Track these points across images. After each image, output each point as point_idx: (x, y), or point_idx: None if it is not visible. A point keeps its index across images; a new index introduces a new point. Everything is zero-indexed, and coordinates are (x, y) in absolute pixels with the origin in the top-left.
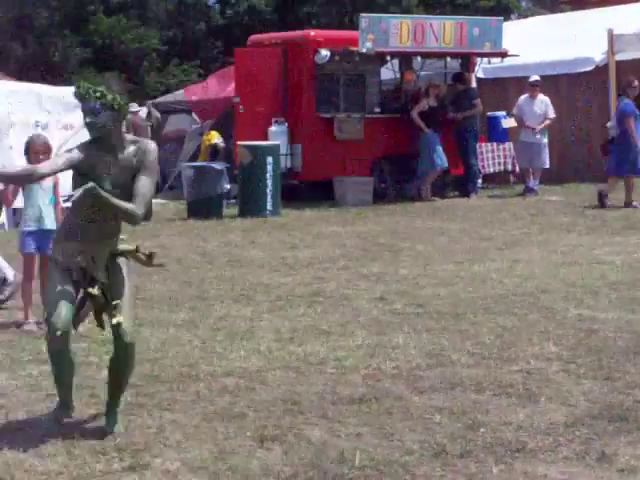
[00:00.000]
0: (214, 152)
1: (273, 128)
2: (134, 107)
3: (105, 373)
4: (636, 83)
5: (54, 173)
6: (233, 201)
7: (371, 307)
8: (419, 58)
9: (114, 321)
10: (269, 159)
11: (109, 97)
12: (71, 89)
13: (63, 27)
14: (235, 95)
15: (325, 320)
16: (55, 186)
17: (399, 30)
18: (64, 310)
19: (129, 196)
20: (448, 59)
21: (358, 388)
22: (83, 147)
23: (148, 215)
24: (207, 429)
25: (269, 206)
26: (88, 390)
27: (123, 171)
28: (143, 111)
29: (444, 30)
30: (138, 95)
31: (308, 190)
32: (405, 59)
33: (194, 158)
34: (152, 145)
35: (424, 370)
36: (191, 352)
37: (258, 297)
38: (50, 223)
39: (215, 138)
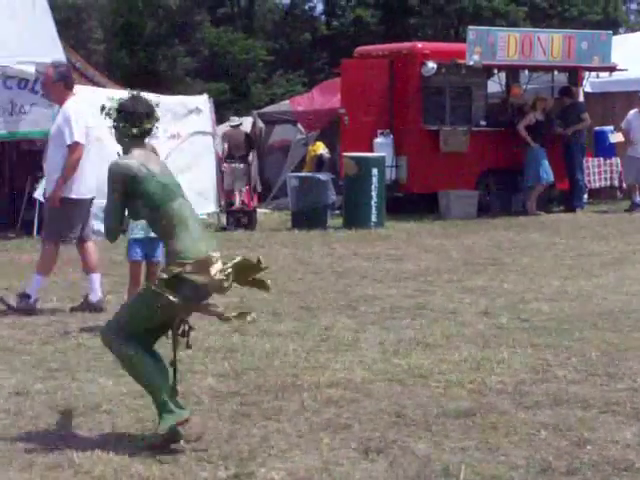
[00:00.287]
0: (320, 163)
1: (379, 140)
2: (235, 121)
3: (210, 381)
4: None
5: None
6: (337, 212)
7: (476, 321)
8: (526, 71)
9: None
10: (374, 171)
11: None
12: (179, 98)
13: (170, 37)
14: (341, 106)
15: (430, 333)
16: None
17: (506, 43)
18: None
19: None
20: (555, 73)
21: (463, 402)
22: None
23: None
24: (312, 439)
25: (374, 217)
26: (193, 398)
27: None
28: (248, 121)
29: (552, 43)
30: (243, 105)
31: (412, 202)
32: (512, 72)
33: (298, 168)
34: (112, 162)
35: (529, 385)
36: (296, 362)
37: (362, 308)
38: None
39: (321, 149)
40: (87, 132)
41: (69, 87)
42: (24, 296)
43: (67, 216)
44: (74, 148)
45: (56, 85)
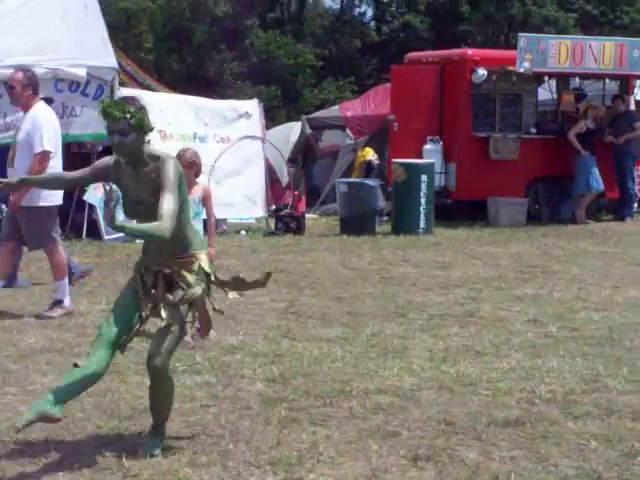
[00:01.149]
0: (368, 169)
1: (428, 146)
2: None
3: (259, 386)
4: None
5: (81, 182)
6: (386, 218)
7: (525, 329)
8: (577, 79)
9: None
10: (423, 177)
11: (138, 117)
12: (229, 103)
13: (220, 42)
14: (390, 112)
15: (478, 341)
16: (205, 199)
17: (558, 50)
18: None
19: (151, 212)
20: (606, 80)
21: (512, 411)
22: (113, 159)
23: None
24: (360, 446)
25: (422, 224)
26: (242, 402)
27: (145, 186)
28: (297, 126)
29: (603, 51)
30: (294, 110)
31: (460, 209)
32: (563, 80)
33: (347, 174)
34: (169, 160)
35: (579, 395)
36: (344, 368)
37: (411, 315)
38: None
39: (370, 155)
40: (56, 138)
41: (37, 92)
42: (57, 303)
43: (42, 223)
44: (43, 156)
45: (25, 90)
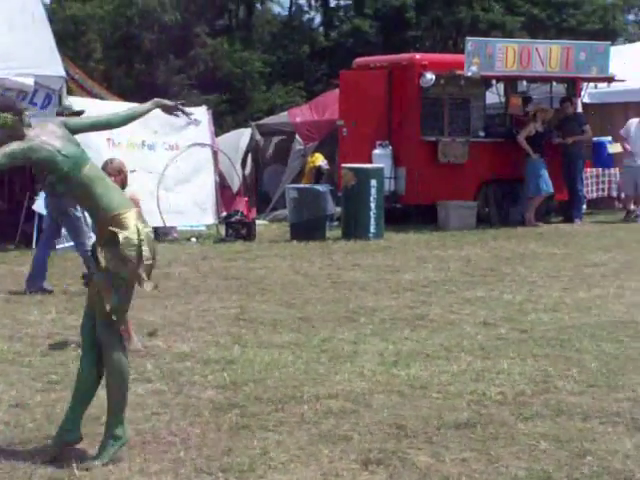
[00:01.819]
0: (318, 174)
1: (377, 151)
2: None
3: (210, 393)
4: None
5: None
6: (336, 223)
7: (475, 332)
8: (524, 82)
9: None
10: (373, 182)
11: None
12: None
13: (168, 50)
14: (339, 117)
15: (429, 344)
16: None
17: (505, 54)
18: None
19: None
20: (554, 83)
21: (463, 413)
22: None
23: None
24: (312, 451)
25: (372, 229)
26: (193, 409)
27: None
28: (247, 132)
29: (550, 54)
30: (242, 116)
31: (410, 213)
32: (510, 83)
33: (297, 180)
34: (23, 141)
35: (529, 396)
36: (295, 374)
37: (362, 320)
38: None
39: (319, 160)
40: None
41: None
42: None
43: None
44: None
45: None
